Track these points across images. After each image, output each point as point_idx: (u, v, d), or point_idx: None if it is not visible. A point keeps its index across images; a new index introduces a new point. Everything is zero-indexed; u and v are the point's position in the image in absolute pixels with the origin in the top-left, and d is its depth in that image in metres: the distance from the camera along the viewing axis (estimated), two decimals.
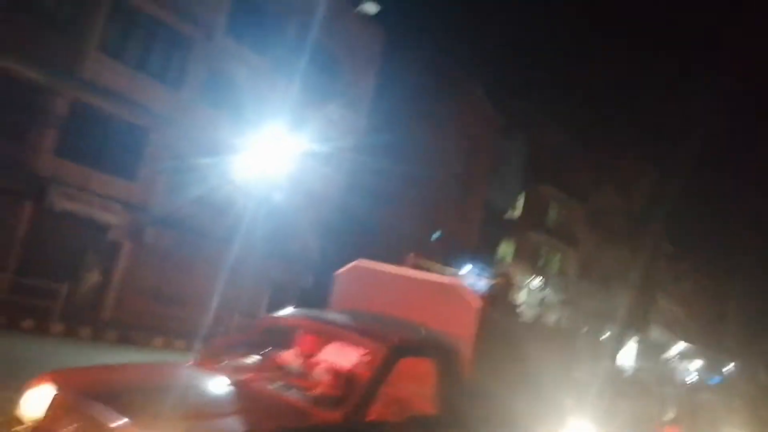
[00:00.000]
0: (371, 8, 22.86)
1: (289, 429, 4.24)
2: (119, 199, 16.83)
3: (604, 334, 40.54)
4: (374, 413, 4.55)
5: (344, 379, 4.99)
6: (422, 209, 27.26)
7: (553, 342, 6.99)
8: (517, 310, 6.70)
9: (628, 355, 41.11)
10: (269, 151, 17.60)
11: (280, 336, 5.71)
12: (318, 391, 4.95)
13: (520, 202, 36.63)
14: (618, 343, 41.35)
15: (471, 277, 7.17)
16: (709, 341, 49.57)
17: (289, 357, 5.65)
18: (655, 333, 44.22)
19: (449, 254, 31.35)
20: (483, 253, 33.91)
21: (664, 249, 46.09)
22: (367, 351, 4.94)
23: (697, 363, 44.50)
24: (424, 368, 5.36)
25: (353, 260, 6.58)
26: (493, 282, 6.52)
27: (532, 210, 36.84)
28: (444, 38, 28.23)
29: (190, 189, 17.21)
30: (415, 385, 5.73)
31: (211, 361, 5.28)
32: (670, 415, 13.30)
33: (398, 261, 6.91)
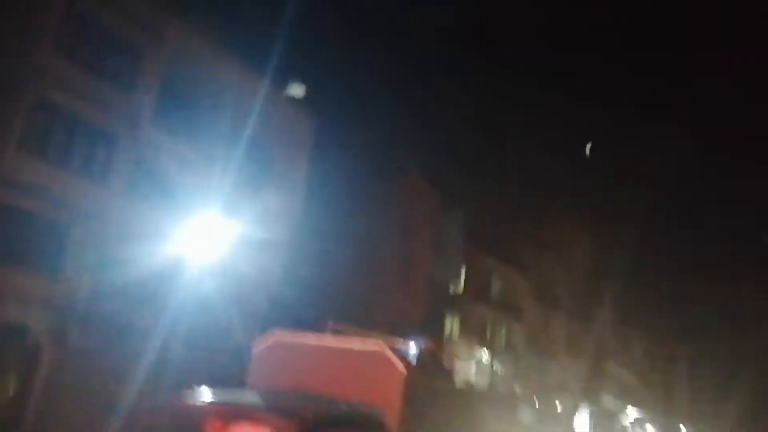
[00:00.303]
0: (298, 91, 23.27)
1: None
2: (40, 299, 15.97)
3: (556, 405, 40.12)
4: None
5: None
6: (365, 289, 26.96)
7: (492, 407, 6.70)
8: (451, 376, 6.42)
9: (581, 424, 40.66)
10: (200, 240, 17.20)
11: (190, 422, 5.27)
12: None
13: (463, 276, 36.72)
14: (571, 413, 40.96)
15: (400, 344, 6.90)
16: (661, 406, 49.70)
17: None
18: (607, 401, 44.08)
19: (395, 330, 30.90)
20: (429, 327, 33.55)
21: (611, 316, 46.63)
22: (277, 430, 4.58)
23: (650, 428, 44.37)
24: None
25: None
26: (421, 347, 6.27)
27: (475, 283, 36.93)
28: (375, 118, 28.76)
29: (116, 283, 16.53)
30: None
31: None
32: None
33: (319, 329, 6.62)
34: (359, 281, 26.61)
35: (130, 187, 18.04)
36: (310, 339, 6.13)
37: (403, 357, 5.41)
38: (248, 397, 5.32)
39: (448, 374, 6.27)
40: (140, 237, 17.14)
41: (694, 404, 48.65)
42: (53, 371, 16.04)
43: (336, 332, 6.45)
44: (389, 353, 5.29)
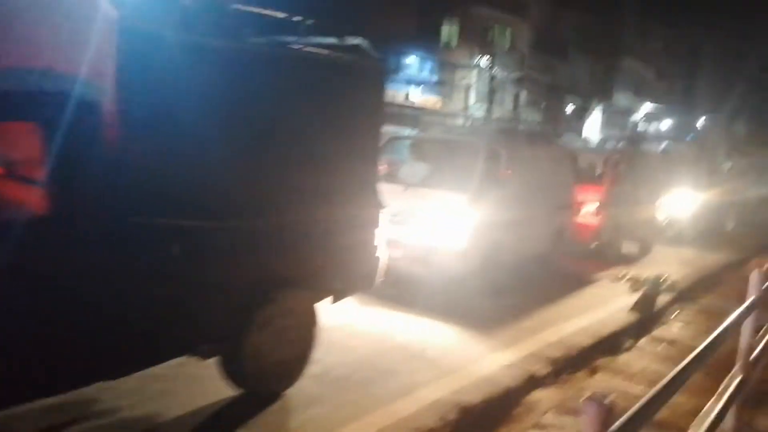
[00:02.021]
0: None
1: None
2: None
3: (566, 108, 38.76)
4: None
5: None
6: (339, 9, 23.47)
7: (325, 75, 4.66)
8: (237, 30, 4.33)
9: (592, 124, 39.65)
10: None
11: None
12: None
13: None
14: (581, 113, 39.73)
15: None
16: (680, 99, 47.99)
17: None
18: (621, 98, 42.39)
19: (385, 46, 28.43)
20: (424, 38, 30.99)
21: (629, 7, 42.75)
22: None
23: (667, 122, 43.24)
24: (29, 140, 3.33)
25: None
26: None
27: None
28: None
29: None
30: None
31: None
32: (598, 171, 11.64)
33: None
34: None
35: None
36: None
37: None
38: None
39: (228, 28, 4.07)
40: None
41: (715, 96, 46.74)
42: None
43: None
44: None
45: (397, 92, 28.76)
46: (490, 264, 7.54)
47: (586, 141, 29.89)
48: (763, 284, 4.36)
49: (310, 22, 5.21)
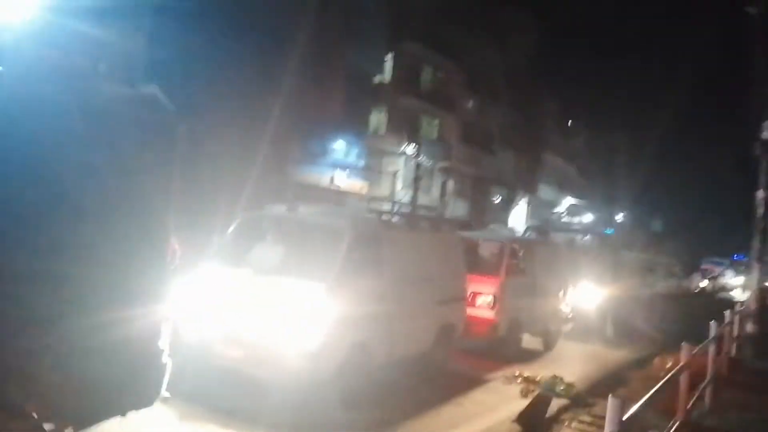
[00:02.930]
0: None
1: None
2: None
3: (493, 198, 39.07)
4: None
5: None
6: (267, 94, 22.54)
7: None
8: None
9: (518, 214, 39.97)
10: None
11: None
12: None
13: (388, 65, 33.25)
14: (507, 204, 40.10)
15: None
16: (600, 195, 49.39)
17: None
18: (545, 191, 43.21)
19: (311, 132, 28.00)
20: (352, 125, 30.87)
21: (551, 107, 44.37)
22: None
23: (588, 216, 44.20)
24: None
25: None
26: None
27: (403, 73, 33.60)
28: None
29: None
30: None
31: None
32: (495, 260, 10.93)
33: None
34: (257, 84, 22.39)
35: None
36: None
37: None
38: None
39: None
40: None
41: (633, 193, 48.42)
42: None
43: None
44: None
45: (321, 175, 28.23)
46: (351, 367, 6.51)
47: (511, 230, 29.77)
48: (621, 416, 3.53)
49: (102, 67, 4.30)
